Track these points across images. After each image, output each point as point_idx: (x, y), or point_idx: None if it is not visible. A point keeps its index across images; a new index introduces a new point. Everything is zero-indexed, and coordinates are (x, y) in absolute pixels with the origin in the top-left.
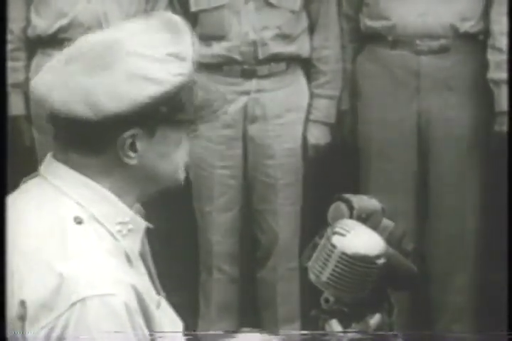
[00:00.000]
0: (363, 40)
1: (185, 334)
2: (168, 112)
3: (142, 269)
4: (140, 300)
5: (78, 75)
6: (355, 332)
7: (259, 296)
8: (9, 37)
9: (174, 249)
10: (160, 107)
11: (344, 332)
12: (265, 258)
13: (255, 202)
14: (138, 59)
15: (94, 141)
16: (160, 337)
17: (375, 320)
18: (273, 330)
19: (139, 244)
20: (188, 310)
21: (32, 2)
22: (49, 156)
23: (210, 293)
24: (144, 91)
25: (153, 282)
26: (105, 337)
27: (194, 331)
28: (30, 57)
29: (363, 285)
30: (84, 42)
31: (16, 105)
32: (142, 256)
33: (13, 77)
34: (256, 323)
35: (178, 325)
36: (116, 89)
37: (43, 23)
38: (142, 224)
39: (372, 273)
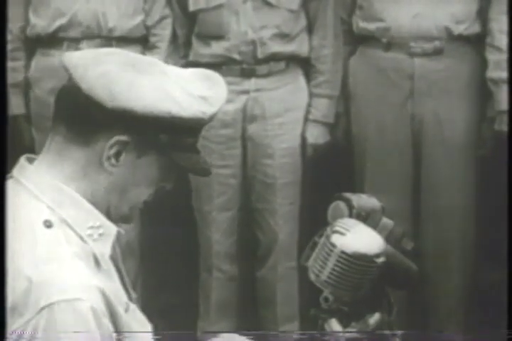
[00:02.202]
0: (357, 42)
1: (155, 334)
2: (165, 143)
3: (112, 273)
4: (108, 303)
5: (112, 64)
6: (354, 331)
7: (258, 295)
8: (8, 37)
9: (173, 249)
10: (161, 135)
11: (343, 331)
12: (264, 257)
13: (254, 202)
14: (173, 83)
15: (91, 127)
16: (127, 337)
17: (374, 319)
18: (272, 330)
19: (109, 248)
20: (188, 309)
21: (31, 2)
22: (22, 159)
23: (209, 293)
24: (166, 106)
25: (124, 285)
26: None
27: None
28: (29, 56)
29: (363, 284)
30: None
31: (15, 105)
32: (113, 260)
33: (12, 76)
34: (255, 322)
35: (147, 328)
36: (143, 91)
37: (42, 23)
38: (113, 228)
39: (371, 272)
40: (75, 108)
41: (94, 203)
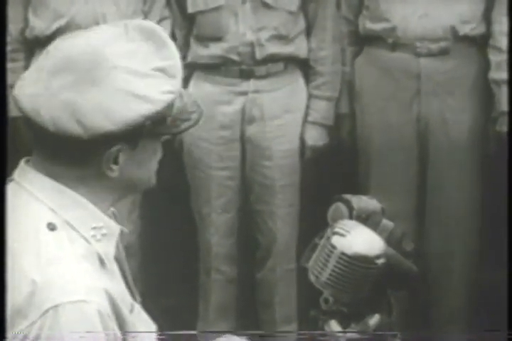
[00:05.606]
0: (363, 43)
1: (159, 335)
2: (151, 126)
3: (117, 273)
4: (113, 305)
5: (66, 91)
6: (354, 332)
7: (257, 297)
8: (8, 38)
9: (173, 251)
10: (146, 123)
11: (343, 332)
12: (264, 259)
13: (253, 204)
14: (125, 74)
15: (78, 155)
16: (133, 337)
17: (374, 320)
18: (271, 331)
19: (113, 248)
20: (187, 311)
21: (30, 3)
22: (22, 162)
23: (208, 294)
24: (136, 110)
25: (128, 286)
26: None
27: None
28: (28, 58)
29: (363, 285)
30: (66, 52)
31: (15, 106)
32: (117, 260)
33: (12, 78)
34: (254, 324)
35: (152, 328)
36: (107, 106)
37: (40, 24)
38: (116, 228)
39: (371, 274)
40: (51, 143)
41: (97, 204)
